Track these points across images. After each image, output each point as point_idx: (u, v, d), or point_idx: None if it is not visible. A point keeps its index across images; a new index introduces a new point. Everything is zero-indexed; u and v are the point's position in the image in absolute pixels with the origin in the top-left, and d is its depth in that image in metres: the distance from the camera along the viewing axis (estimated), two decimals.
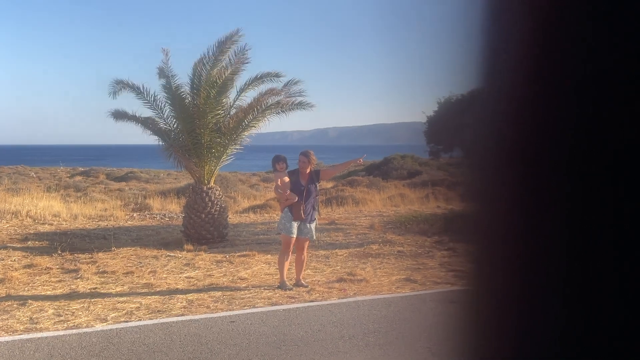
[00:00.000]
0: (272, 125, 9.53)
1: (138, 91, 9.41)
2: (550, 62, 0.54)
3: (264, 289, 6.23)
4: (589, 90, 0.51)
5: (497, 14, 0.60)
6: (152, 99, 9.42)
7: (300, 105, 9.20)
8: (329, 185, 22.54)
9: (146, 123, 9.48)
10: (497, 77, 0.61)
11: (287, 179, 6.33)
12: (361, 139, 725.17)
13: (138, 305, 5.62)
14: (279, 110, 9.28)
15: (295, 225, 6.19)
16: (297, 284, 6.38)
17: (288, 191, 6.21)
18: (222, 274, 7.00)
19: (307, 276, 6.88)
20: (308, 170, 6.35)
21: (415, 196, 15.65)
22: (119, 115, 9.37)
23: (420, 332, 4.57)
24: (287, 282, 6.28)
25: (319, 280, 6.65)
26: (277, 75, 9.33)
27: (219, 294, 6.06)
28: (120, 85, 9.29)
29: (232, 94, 9.41)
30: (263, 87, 9.39)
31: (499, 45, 0.61)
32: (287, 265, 6.34)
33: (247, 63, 9.25)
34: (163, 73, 9.26)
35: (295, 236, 6.20)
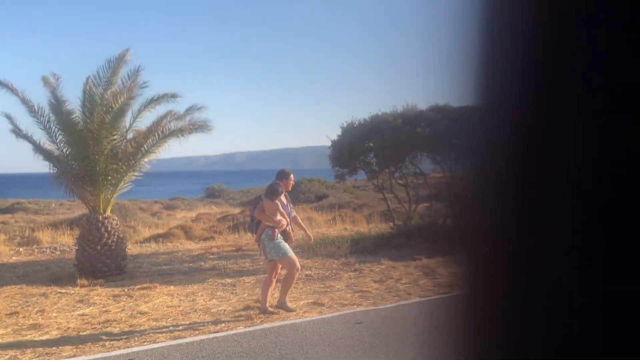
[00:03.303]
0: (176, 150, 9.24)
1: (32, 109, 8.74)
2: (546, 72, 0.54)
3: (166, 323, 5.93)
4: (590, 100, 0.51)
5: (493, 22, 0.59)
6: (47, 120, 8.78)
7: (201, 128, 9.00)
8: (236, 210, 22.19)
9: (38, 146, 8.82)
10: (491, 90, 0.60)
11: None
12: (268, 163, 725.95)
13: (23, 349, 5.10)
14: (180, 134, 9.01)
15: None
16: (263, 307, 6.21)
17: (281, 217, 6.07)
18: (119, 309, 6.57)
19: (212, 306, 6.65)
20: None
21: (322, 219, 15.82)
22: (8, 118, 8.59)
23: (327, 355, 4.55)
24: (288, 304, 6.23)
25: (224, 310, 6.45)
26: (174, 96, 9.07)
27: (116, 330, 5.66)
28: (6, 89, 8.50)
29: (128, 117, 9.02)
30: (162, 109, 9.11)
31: (493, 57, 0.60)
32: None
33: (145, 87, 8.91)
34: (54, 97, 8.70)
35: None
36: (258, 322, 5.86)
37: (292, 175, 6.46)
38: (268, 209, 6.07)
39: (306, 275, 8.46)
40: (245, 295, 7.24)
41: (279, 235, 6.03)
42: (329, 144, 12.55)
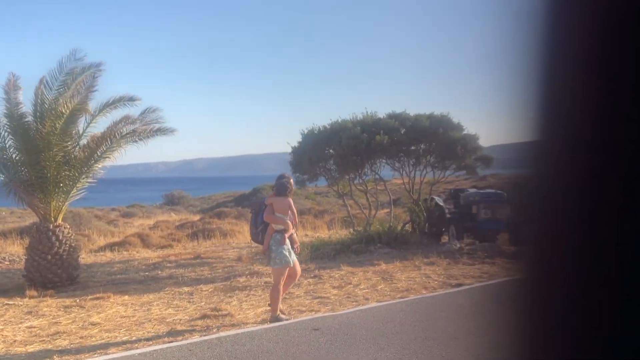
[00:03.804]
0: (134, 156, 9.04)
1: None
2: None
3: (119, 333, 5.76)
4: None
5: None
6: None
7: (160, 131, 8.81)
8: (196, 217, 21.86)
9: None
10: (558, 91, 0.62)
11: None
12: (230, 169, 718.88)
13: None
14: (136, 139, 8.79)
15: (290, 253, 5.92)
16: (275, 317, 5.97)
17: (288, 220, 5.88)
18: (70, 321, 6.35)
19: (168, 316, 6.52)
20: None
21: None
22: None
23: None
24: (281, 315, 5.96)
25: (180, 319, 6.32)
26: (132, 100, 8.83)
27: (65, 343, 5.47)
28: None
29: (82, 122, 8.75)
30: (117, 114, 8.89)
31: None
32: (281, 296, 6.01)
33: (95, 91, 8.67)
34: (7, 98, 8.39)
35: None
36: (214, 331, 5.77)
37: (292, 180, 6.31)
38: (279, 208, 5.84)
39: (265, 282, 8.40)
40: (203, 303, 7.12)
41: (287, 241, 5.85)
42: (289, 150, 12.55)
